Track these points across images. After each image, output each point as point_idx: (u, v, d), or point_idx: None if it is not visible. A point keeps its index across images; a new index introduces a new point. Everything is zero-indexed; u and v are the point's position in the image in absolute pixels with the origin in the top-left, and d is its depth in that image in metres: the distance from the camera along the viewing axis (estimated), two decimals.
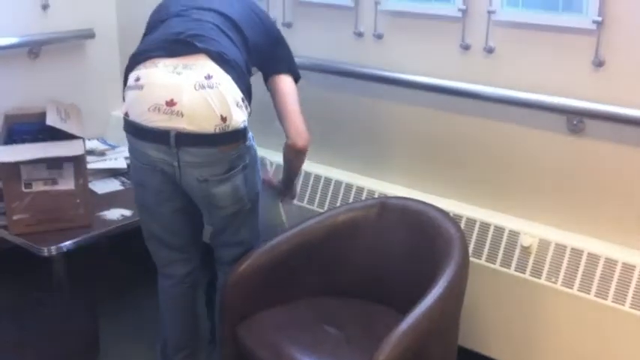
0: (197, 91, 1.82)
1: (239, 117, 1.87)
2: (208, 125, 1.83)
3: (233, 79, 1.87)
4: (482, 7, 2.14)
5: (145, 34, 2.07)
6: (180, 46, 1.88)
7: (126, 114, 1.91)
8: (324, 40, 2.57)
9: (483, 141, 2.27)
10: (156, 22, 2.05)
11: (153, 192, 2.01)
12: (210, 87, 1.83)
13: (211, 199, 1.96)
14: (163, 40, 1.91)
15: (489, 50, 2.17)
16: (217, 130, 1.84)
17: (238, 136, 1.90)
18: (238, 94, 1.88)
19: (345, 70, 2.48)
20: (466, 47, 2.22)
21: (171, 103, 1.80)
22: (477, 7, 2.16)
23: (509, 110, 2.16)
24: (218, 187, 1.93)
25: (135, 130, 1.91)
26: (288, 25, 2.64)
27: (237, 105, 1.87)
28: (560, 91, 2.04)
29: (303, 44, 2.59)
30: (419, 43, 2.34)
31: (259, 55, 2.05)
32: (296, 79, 2.13)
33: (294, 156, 2.08)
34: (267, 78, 2.11)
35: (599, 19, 1.93)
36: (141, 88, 1.85)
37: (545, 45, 2.07)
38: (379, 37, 2.42)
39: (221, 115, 1.83)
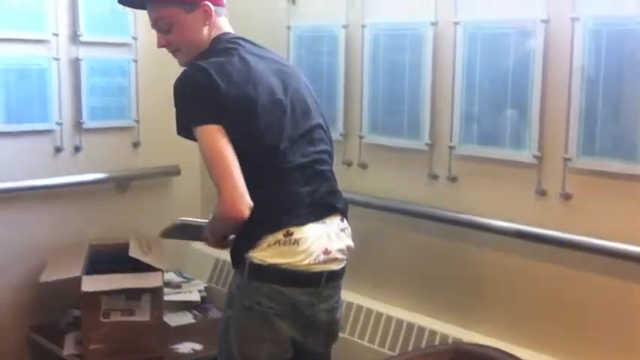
0: (339, 236, 1.98)
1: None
2: (344, 260, 2.00)
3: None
4: (557, 154, 2.16)
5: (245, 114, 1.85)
6: (323, 211, 1.97)
7: (272, 265, 1.89)
8: (398, 182, 2.62)
9: (561, 289, 2.20)
10: (271, 127, 1.88)
11: (273, 344, 1.94)
12: (345, 229, 2.01)
13: (334, 325, 2.05)
14: (306, 205, 1.93)
15: (566, 197, 2.16)
16: (345, 263, 2.01)
17: None
18: None
19: (419, 212, 2.51)
20: (542, 193, 2.22)
21: (326, 252, 1.93)
22: (553, 154, 2.18)
23: (589, 258, 2.10)
24: (337, 312, 2.05)
25: (283, 278, 1.90)
26: (364, 166, 2.72)
27: None
28: None
29: (377, 185, 2.65)
30: (494, 188, 2.35)
31: None
32: None
33: None
34: None
35: None
36: (296, 243, 1.89)
37: (625, 193, 2.04)
38: (454, 180, 2.45)
39: (348, 250, 2.02)
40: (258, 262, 1.88)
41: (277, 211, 1.89)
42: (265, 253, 1.88)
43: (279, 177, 1.91)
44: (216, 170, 1.83)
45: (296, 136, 1.93)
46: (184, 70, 1.89)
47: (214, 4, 1.94)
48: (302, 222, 1.90)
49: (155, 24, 1.98)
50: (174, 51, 1.99)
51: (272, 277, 1.89)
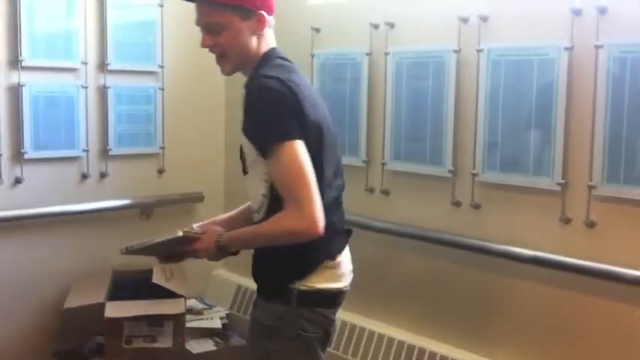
0: (350, 256, 1.99)
1: None
2: None
3: None
4: (582, 181, 2.14)
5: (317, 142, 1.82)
6: (347, 237, 1.99)
7: (322, 290, 1.88)
8: (420, 209, 2.61)
9: (585, 318, 2.17)
10: (329, 153, 1.88)
11: None
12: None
13: (331, 340, 2.04)
14: (340, 233, 1.96)
15: (591, 224, 2.13)
16: None
17: None
18: None
19: (442, 238, 2.49)
20: (566, 220, 2.19)
21: (351, 272, 1.96)
22: (577, 181, 2.16)
23: (613, 287, 2.07)
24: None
25: (331, 301, 1.92)
26: (386, 193, 2.72)
27: None
28: None
29: (399, 212, 2.64)
30: (517, 215, 2.33)
31: None
32: None
33: None
34: None
35: None
36: (338, 266, 1.91)
37: None
38: (476, 207, 2.44)
39: None
40: (307, 288, 1.85)
41: (327, 239, 1.82)
42: (316, 279, 1.87)
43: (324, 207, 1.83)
44: (301, 186, 1.74)
45: (332, 168, 1.92)
46: (264, 83, 1.77)
47: (269, 14, 1.87)
48: (341, 249, 1.94)
49: (202, 24, 1.87)
50: (220, 56, 1.88)
51: (321, 301, 1.88)
